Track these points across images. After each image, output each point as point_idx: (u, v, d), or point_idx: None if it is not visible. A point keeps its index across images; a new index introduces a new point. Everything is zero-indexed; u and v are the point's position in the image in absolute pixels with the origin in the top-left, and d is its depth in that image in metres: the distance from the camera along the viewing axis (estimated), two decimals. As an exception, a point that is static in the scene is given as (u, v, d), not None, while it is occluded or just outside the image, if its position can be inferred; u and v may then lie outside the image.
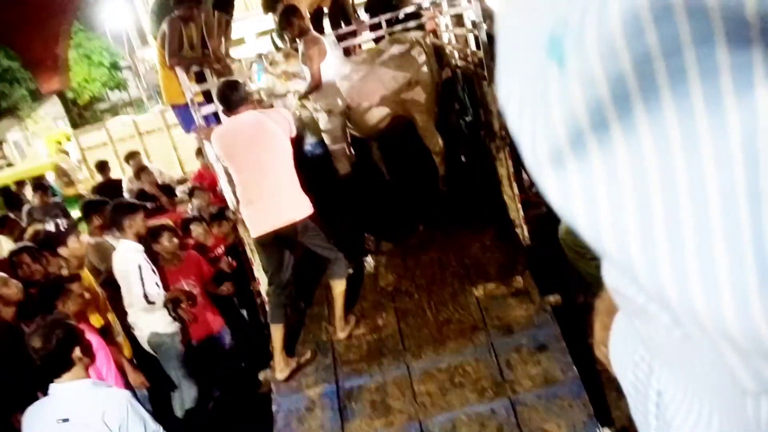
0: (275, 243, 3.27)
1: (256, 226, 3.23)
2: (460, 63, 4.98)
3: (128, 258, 3.47)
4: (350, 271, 4.14)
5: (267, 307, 3.49)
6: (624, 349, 0.55)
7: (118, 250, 3.63)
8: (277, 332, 3.32)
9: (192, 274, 3.76)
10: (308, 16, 5.91)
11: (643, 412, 0.51)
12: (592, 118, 0.30)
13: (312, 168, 5.22)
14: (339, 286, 3.45)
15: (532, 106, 0.34)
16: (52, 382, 2.27)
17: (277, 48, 4.84)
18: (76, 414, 2.18)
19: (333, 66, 4.30)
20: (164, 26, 4.52)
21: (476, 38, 3.86)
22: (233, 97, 3.18)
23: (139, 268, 3.41)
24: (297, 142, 5.26)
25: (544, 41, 0.32)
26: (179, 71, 4.19)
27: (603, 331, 0.67)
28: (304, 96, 4.38)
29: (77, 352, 2.31)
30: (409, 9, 5.80)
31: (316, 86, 4.19)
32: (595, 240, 0.33)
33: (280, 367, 3.31)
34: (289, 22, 4.27)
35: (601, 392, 3.02)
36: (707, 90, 0.27)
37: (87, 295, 3.21)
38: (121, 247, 3.54)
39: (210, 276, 3.94)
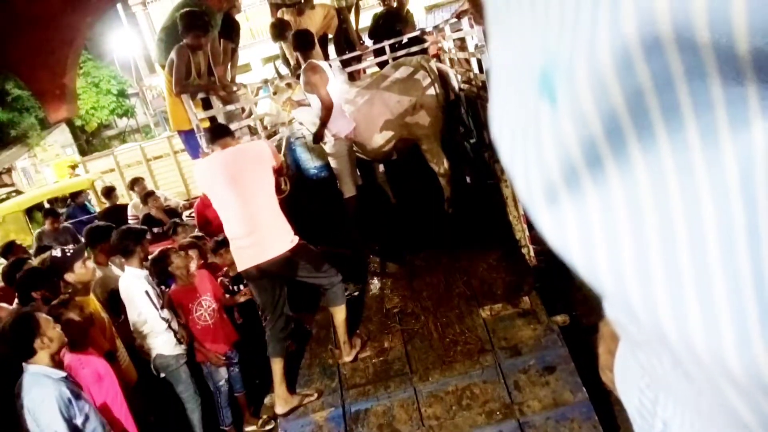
0: (263, 277, 3.25)
1: (240, 261, 3.25)
2: (463, 86, 5.03)
3: (135, 284, 3.49)
4: (356, 293, 4.15)
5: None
6: (629, 375, 0.54)
7: (124, 277, 3.65)
8: (276, 366, 3.28)
9: (208, 290, 3.74)
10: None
11: None
12: (585, 155, 0.29)
13: (316, 190, 5.27)
14: (338, 313, 3.42)
15: (524, 142, 0.33)
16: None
17: (280, 76, 4.90)
18: None
19: (337, 91, 4.36)
20: (173, 55, 4.60)
21: (479, 61, 3.91)
22: (222, 128, 3.25)
23: (147, 293, 3.43)
24: (300, 165, 5.32)
25: (535, 77, 0.31)
26: (185, 98, 4.26)
27: (608, 356, 0.67)
28: (320, 131, 4.39)
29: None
30: (413, 34, 5.90)
31: (328, 110, 4.22)
32: (591, 276, 0.32)
33: (281, 402, 3.27)
34: (303, 47, 4.34)
35: (611, 413, 2.99)
36: (702, 125, 0.26)
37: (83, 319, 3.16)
38: (128, 273, 3.56)
39: (222, 293, 3.91)
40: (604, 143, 0.28)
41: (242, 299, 3.97)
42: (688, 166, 0.27)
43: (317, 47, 4.73)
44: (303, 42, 4.36)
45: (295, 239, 3.24)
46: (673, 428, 0.45)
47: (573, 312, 3.46)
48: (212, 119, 4.65)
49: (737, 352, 0.26)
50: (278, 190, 3.52)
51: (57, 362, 2.74)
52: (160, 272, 3.68)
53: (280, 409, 3.25)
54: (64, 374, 2.68)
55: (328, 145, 4.51)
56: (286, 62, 6.42)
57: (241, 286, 3.98)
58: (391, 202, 5.40)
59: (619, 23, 0.26)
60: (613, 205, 0.29)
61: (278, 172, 3.46)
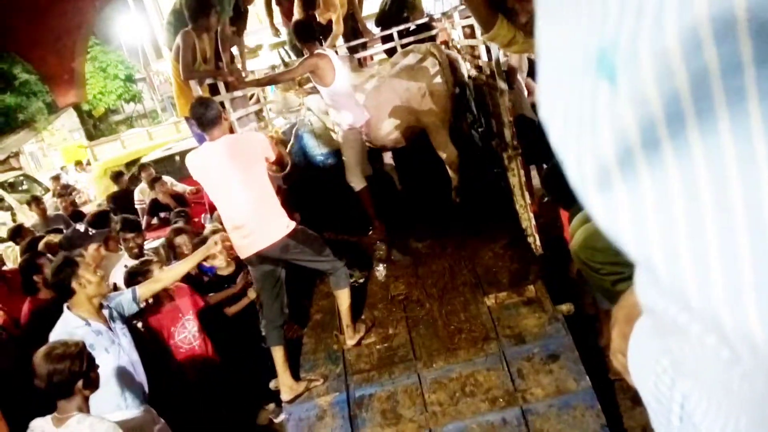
0: (263, 263, 3.28)
1: (240, 250, 3.29)
2: (472, 74, 5.00)
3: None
4: (361, 280, 4.16)
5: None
6: (644, 359, 0.54)
7: (119, 265, 3.72)
8: (278, 354, 3.30)
9: (190, 309, 3.56)
10: (322, 21, 5.97)
11: (665, 425, 0.50)
12: (643, 138, 0.29)
13: (323, 177, 5.27)
14: (342, 296, 3.44)
15: (578, 125, 0.33)
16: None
17: (285, 63, 4.91)
18: None
19: (347, 80, 4.34)
20: (178, 40, 4.59)
21: (488, 49, 3.88)
22: (206, 116, 3.13)
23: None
24: (307, 153, 5.32)
25: (591, 58, 0.31)
26: (193, 84, 4.26)
27: (621, 340, 0.66)
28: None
29: (80, 383, 2.34)
30: (421, 21, 5.85)
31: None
32: (643, 260, 0.32)
33: (285, 389, 3.28)
34: (304, 37, 4.31)
35: (614, 401, 3.00)
36: (766, 111, 0.25)
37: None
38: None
39: (203, 305, 3.68)
40: (664, 126, 0.28)
41: (231, 312, 3.83)
42: (749, 153, 0.26)
43: (319, 38, 4.69)
44: (304, 32, 4.32)
45: (292, 224, 3.26)
46: (696, 413, 0.45)
47: (578, 301, 3.46)
48: (219, 105, 4.65)
49: None
50: (280, 164, 3.53)
51: (96, 307, 2.86)
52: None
53: (285, 396, 3.28)
54: (94, 325, 2.77)
55: (340, 135, 4.51)
56: (293, 48, 6.39)
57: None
58: (397, 189, 5.40)
59: (690, 4, 0.25)
60: (669, 190, 0.29)
61: (279, 158, 3.47)
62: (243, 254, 3.28)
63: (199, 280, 3.95)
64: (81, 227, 3.66)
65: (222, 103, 4.62)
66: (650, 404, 0.52)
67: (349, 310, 3.47)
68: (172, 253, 4.24)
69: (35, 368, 2.32)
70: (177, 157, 8.33)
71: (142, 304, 3.13)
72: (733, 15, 0.24)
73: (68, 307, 2.82)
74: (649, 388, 0.52)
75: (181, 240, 4.16)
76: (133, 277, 3.43)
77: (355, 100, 4.42)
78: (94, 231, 3.62)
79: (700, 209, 0.28)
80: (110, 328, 2.86)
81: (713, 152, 0.27)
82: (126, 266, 3.89)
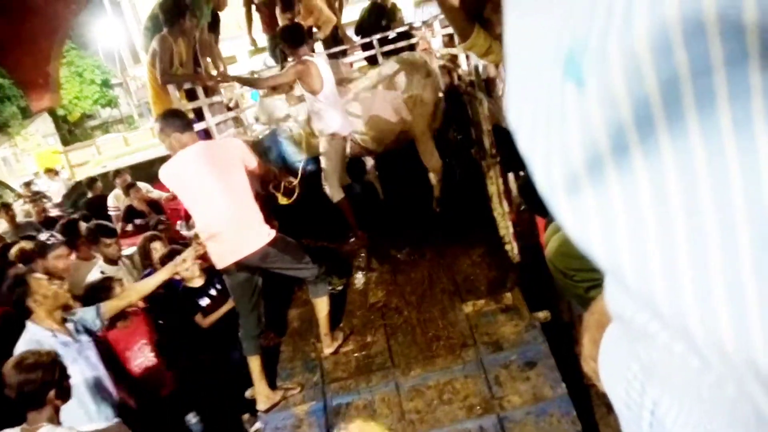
0: (240, 272, 3.22)
1: (218, 259, 3.21)
2: (453, 82, 5.04)
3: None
4: (339, 287, 4.14)
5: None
6: (615, 365, 0.54)
7: (94, 272, 3.65)
8: (254, 363, 3.25)
9: (144, 335, 3.46)
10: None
11: (636, 431, 0.49)
12: (612, 142, 0.28)
13: (301, 184, 5.25)
14: (320, 305, 3.41)
15: (546, 128, 0.32)
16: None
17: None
18: None
19: (334, 87, 4.33)
20: (155, 44, 4.55)
21: (467, 58, 3.91)
22: (175, 123, 3.08)
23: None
24: (286, 159, 5.30)
25: (560, 60, 0.30)
26: (171, 89, 4.22)
27: (592, 346, 0.66)
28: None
29: (52, 393, 2.28)
30: (401, 29, 5.89)
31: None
32: (612, 267, 0.31)
33: (261, 399, 3.24)
34: (292, 42, 4.28)
35: (590, 408, 3.02)
36: (736, 113, 0.25)
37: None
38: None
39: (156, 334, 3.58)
40: (633, 129, 0.27)
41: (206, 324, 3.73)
42: (719, 155, 0.26)
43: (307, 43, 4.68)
44: (293, 37, 4.29)
45: (272, 232, 3.20)
46: (666, 420, 0.44)
47: (554, 308, 3.49)
48: (197, 110, 4.61)
49: (766, 347, 0.26)
50: (288, 193, 3.49)
51: (59, 320, 2.77)
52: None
53: (261, 406, 3.23)
54: (60, 337, 2.70)
55: (322, 143, 4.48)
56: (274, 56, 6.38)
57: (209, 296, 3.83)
58: (380, 198, 5.40)
59: (660, 5, 0.25)
60: (639, 196, 0.28)
61: (269, 174, 3.44)
62: (221, 264, 3.20)
63: (170, 296, 3.82)
64: (45, 236, 3.57)
65: (200, 109, 4.60)
66: (621, 411, 0.52)
67: (327, 319, 3.44)
68: (147, 262, 4.14)
69: (5, 378, 2.25)
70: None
71: (106, 322, 3.02)
72: (703, 15, 0.24)
73: (32, 321, 2.73)
74: (620, 395, 0.51)
75: (155, 247, 4.08)
76: (93, 294, 3.30)
77: (341, 108, 4.40)
78: (54, 239, 3.54)
79: (670, 214, 0.28)
80: (76, 341, 2.79)
81: (683, 156, 0.27)
82: (102, 272, 3.82)
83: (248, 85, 4.81)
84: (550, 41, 0.32)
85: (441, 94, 4.71)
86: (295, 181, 3.73)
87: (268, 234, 3.17)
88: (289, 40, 4.29)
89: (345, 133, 4.40)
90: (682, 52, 0.25)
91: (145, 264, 4.14)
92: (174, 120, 3.10)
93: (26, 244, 4.48)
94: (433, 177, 4.75)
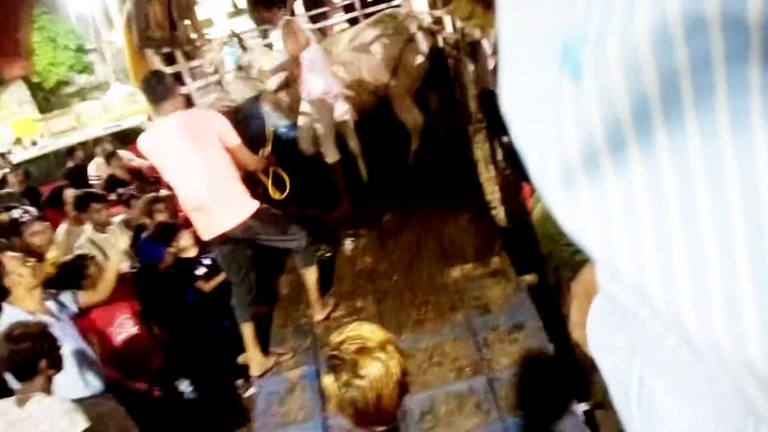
0: (227, 244, 3.20)
1: (202, 231, 3.20)
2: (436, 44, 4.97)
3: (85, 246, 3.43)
4: (328, 254, 4.15)
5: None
6: (603, 335, 0.54)
7: (82, 239, 3.61)
8: (247, 330, 3.26)
9: (124, 310, 3.41)
10: None
11: (623, 401, 0.50)
12: (608, 136, 0.28)
13: (286, 150, 5.19)
14: (308, 274, 3.41)
15: (539, 119, 0.32)
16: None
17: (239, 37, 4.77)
18: None
19: (317, 48, 4.24)
20: (129, 5, 4.40)
21: (453, 21, 3.85)
22: (157, 89, 2.98)
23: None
24: (266, 124, 5.22)
25: (555, 51, 0.30)
26: (149, 53, 4.11)
27: (580, 314, 0.66)
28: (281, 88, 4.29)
29: (43, 363, 2.28)
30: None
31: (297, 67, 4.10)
32: (607, 260, 0.31)
33: (254, 364, 3.27)
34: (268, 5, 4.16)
35: (577, 368, 3.09)
36: (735, 110, 0.25)
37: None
38: (86, 235, 3.41)
39: (139, 309, 3.53)
40: (630, 124, 0.27)
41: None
42: (716, 151, 0.26)
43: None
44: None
45: (255, 204, 3.16)
46: (655, 396, 0.45)
47: (541, 271, 3.53)
48: (177, 75, 4.50)
49: (760, 343, 0.26)
50: (279, 185, 3.42)
51: (39, 299, 2.72)
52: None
53: (255, 371, 3.27)
54: (40, 317, 2.65)
55: (311, 106, 4.40)
56: (254, 18, 6.23)
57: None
58: (363, 179, 5.32)
59: (662, 1, 0.25)
60: (634, 190, 0.28)
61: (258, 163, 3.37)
62: (205, 235, 3.20)
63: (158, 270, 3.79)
64: (18, 212, 3.51)
65: (179, 73, 4.49)
66: (609, 379, 0.53)
67: (316, 286, 3.45)
68: (144, 223, 4.04)
69: None
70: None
71: (81, 308, 3.00)
72: (705, 11, 0.24)
73: (9, 303, 2.67)
74: (608, 364, 0.52)
75: (159, 208, 4.00)
76: (66, 272, 3.24)
77: (327, 70, 4.32)
78: (28, 216, 3.48)
79: (666, 210, 0.28)
80: (59, 320, 2.77)
81: (680, 152, 0.27)
82: (91, 240, 3.78)
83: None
84: (543, 30, 0.31)
85: (424, 58, 4.63)
86: (285, 176, 3.68)
87: (250, 207, 3.13)
88: (264, 3, 4.18)
89: (332, 93, 4.33)
90: (683, 48, 0.25)
91: (140, 228, 4.07)
92: (152, 89, 3.01)
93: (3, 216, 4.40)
94: (411, 131, 4.69)
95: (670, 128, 0.26)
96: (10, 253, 2.82)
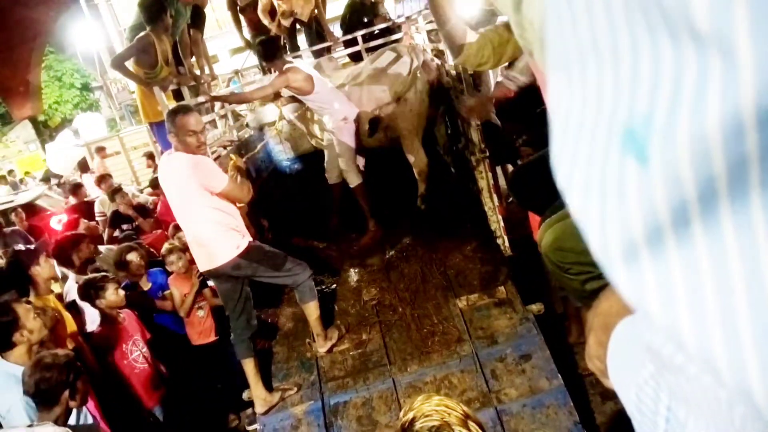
0: (221, 277, 3.22)
1: (198, 263, 3.24)
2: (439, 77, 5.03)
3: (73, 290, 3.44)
4: (332, 285, 4.14)
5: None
6: (625, 369, 0.55)
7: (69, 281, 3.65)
8: (248, 366, 3.23)
9: (137, 331, 3.44)
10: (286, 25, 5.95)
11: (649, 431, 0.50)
12: (673, 216, 0.29)
13: (289, 183, 5.23)
14: (309, 309, 3.39)
15: (601, 198, 0.33)
16: None
17: (262, 68, 4.87)
18: None
19: (326, 80, 4.33)
20: (137, 44, 4.52)
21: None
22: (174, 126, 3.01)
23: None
24: (272, 158, 5.28)
25: (616, 134, 0.31)
26: (157, 90, 4.19)
27: (598, 347, 0.67)
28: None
29: (65, 394, 2.34)
30: (384, 25, 5.88)
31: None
32: (670, 331, 0.32)
33: (259, 401, 3.23)
34: (269, 57, 4.26)
35: (585, 397, 3.05)
36: None
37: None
38: (71, 279, 3.32)
39: (149, 335, 3.54)
40: (696, 206, 0.28)
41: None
42: None
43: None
44: (269, 51, 4.27)
45: (244, 243, 3.14)
46: (686, 424, 0.45)
47: (547, 300, 3.51)
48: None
49: None
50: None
51: (33, 354, 2.66)
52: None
53: (259, 408, 3.22)
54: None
55: (335, 133, 4.44)
56: (258, 54, 6.34)
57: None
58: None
59: (735, 91, 0.26)
60: (699, 267, 0.29)
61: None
62: (200, 268, 3.25)
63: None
64: (20, 247, 3.52)
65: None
66: (633, 414, 0.53)
67: (318, 320, 3.42)
68: (123, 273, 3.83)
69: (23, 376, 2.36)
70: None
71: None
72: None
73: (3, 357, 2.60)
74: (631, 399, 0.52)
75: (133, 257, 3.87)
76: (88, 290, 3.29)
77: (342, 96, 4.41)
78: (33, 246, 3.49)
79: (732, 288, 0.28)
80: None
81: (744, 231, 0.27)
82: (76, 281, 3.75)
83: (235, 102, 4.75)
84: (603, 110, 0.32)
85: (426, 91, 4.68)
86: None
87: (237, 246, 3.11)
88: (265, 55, 4.29)
89: (353, 117, 4.40)
90: (754, 137, 0.26)
91: (123, 276, 3.86)
92: (166, 126, 3.08)
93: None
94: (417, 174, 4.72)
95: (736, 209, 0.27)
96: (25, 303, 2.75)
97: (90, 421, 2.67)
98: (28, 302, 2.85)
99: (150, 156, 9.02)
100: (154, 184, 6.55)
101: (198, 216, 3.07)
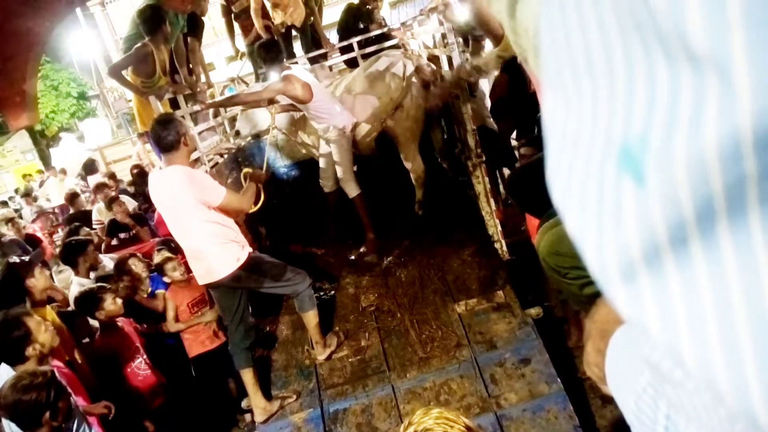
0: (220, 288, 3.20)
1: (197, 277, 3.21)
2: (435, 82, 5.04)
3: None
4: (331, 292, 4.13)
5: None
6: (623, 376, 0.55)
7: (73, 286, 3.61)
8: (247, 376, 3.21)
9: (136, 339, 3.42)
10: (281, 31, 5.96)
11: None
12: (671, 236, 0.29)
13: (286, 189, 5.23)
14: (308, 318, 3.38)
15: (598, 216, 0.33)
16: None
17: (257, 75, 4.87)
18: None
19: (323, 89, 4.32)
20: (134, 53, 4.52)
21: (449, 59, 3.92)
22: (164, 139, 2.95)
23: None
24: (270, 166, 5.26)
25: (612, 150, 0.31)
26: (153, 99, 4.19)
27: (596, 354, 0.68)
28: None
29: (46, 415, 2.25)
30: (379, 31, 5.89)
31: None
32: (669, 348, 0.32)
33: (258, 411, 3.21)
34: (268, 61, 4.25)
35: (585, 401, 3.04)
36: None
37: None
38: (75, 283, 3.35)
39: (144, 341, 3.52)
40: (694, 226, 0.28)
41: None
42: None
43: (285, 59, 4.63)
44: (269, 53, 4.23)
45: (244, 255, 3.11)
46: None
47: (545, 304, 3.51)
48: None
49: None
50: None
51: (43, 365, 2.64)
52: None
53: (259, 418, 3.21)
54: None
55: (332, 142, 4.41)
56: (254, 61, 6.35)
57: None
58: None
59: (732, 114, 0.26)
60: (698, 287, 0.29)
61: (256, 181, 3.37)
62: (199, 282, 3.22)
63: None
64: (14, 259, 3.49)
65: (182, 117, 4.55)
66: (632, 422, 0.53)
67: (317, 328, 3.42)
68: (126, 281, 3.77)
69: (1, 399, 2.25)
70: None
71: None
72: None
73: (13, 368, 2.59)
74: (630, 406, 0.52)
75: (134, 265, 3.85)
76: (85, 302, 3.26)
77: (339, 105, 4.37)
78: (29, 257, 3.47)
79: (731, 306, 0.28)
80: None
81: (743, 250, 0.27)
82: (80, 285, 3.75)
83: (228, 106, 4.76)
84: (598, 128, 0.32)
85: (422, 97, 4.68)
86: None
87: (237, 259, 3.09)
88: (265, 57, 4.25)
89: (350, 126, 4.36)
90: (752, 159, 0.26)
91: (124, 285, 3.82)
92: (157, 139, 3.00)
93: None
94: (414, 181, 4.72)
95: (734, 228, 0.27)
96: (36, 316, 2.73)
97: None
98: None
99: (137, 167, 8.85)
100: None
101: (195, 230, 3.01)
